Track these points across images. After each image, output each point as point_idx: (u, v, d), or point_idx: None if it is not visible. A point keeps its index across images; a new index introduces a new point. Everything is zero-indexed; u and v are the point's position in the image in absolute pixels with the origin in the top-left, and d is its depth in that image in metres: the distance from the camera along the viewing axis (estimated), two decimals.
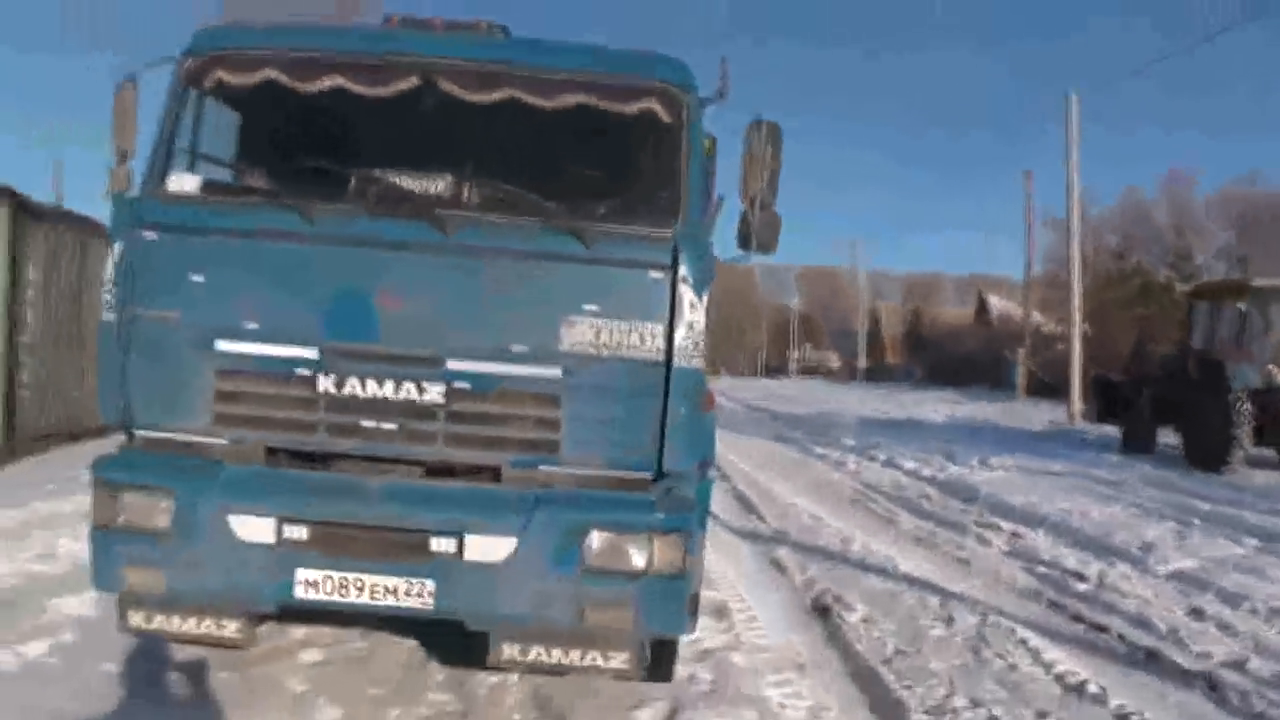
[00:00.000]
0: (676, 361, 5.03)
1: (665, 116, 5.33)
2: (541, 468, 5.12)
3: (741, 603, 8.06)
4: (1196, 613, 8.27)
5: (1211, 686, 6.47)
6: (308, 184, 5.38)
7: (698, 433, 5.30)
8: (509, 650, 5.14)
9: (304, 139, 5.70)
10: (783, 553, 10.10)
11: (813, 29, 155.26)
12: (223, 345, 5.10)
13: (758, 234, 5.46)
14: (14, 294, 13.16)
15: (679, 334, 5.03)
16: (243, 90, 5.52)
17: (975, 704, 5.92)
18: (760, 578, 9.14)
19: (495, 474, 5.15)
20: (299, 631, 6.36)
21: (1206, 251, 49.60)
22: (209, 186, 5.50)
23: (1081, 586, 9.12)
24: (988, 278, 79.22)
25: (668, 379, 5.03)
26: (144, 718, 5.23)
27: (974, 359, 55.26)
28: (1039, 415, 31.75)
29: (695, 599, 5.30)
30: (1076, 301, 33.34)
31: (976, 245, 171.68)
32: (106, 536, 5.09)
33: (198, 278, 5.11)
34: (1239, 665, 6.91)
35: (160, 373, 5.17)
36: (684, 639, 6.29)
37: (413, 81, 5.27)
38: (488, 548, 4.94)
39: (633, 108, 5.33)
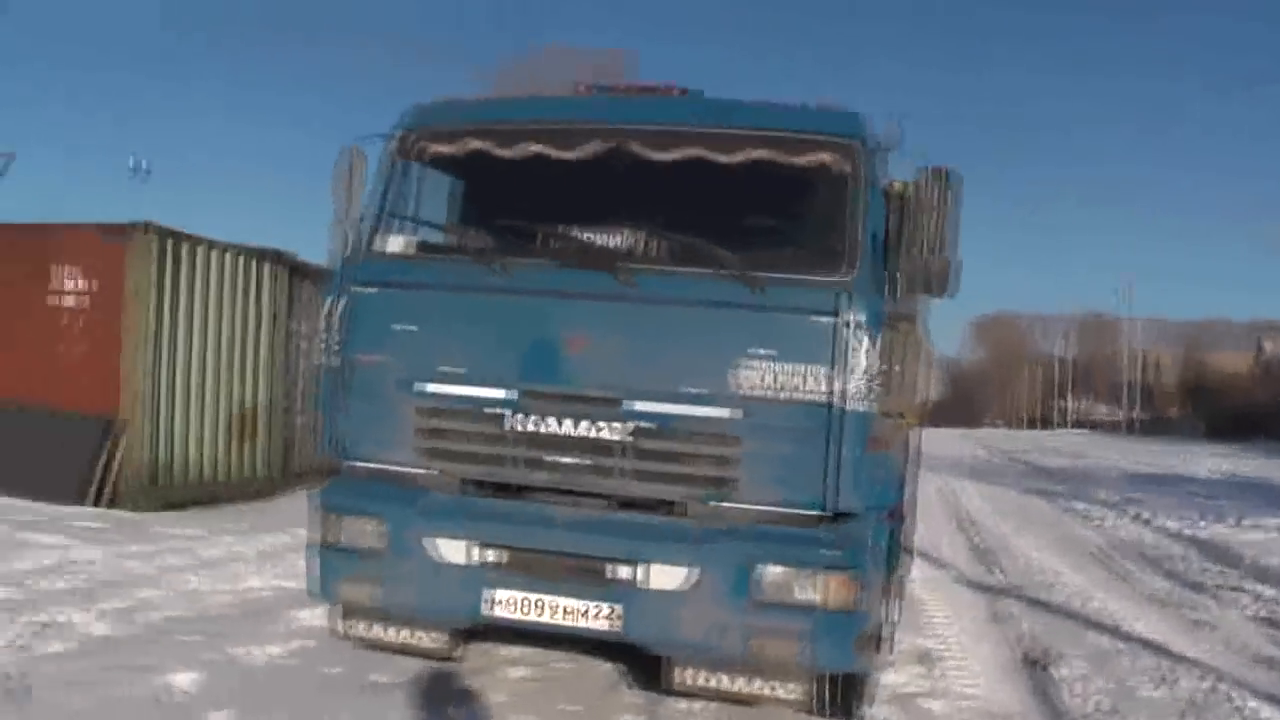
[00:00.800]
0: (846, 404, 5.20)
1: (836, 167, 5.55)
2: (718, 503, 5.38)
3: (954, 652, 8.01)
4: None
5: None
6: (504, 240, 5.93)
7: (871, 474, 5.45)
8: (686, 675, 5.44)
9: (501, 200, 6.30)
10: (1009, 605, 9.94)
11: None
12: (426, 387, 5.68)
13: (933, 279, 5.58)
14: (288, 344, 14.47)
15: (848, 378, 5.19)
16: (446, 158, 6.14)
17: None
18: (980, 629, 9.01)
19: (675, 508, 5.45)
20: (509, 651, 6.80)
21: None
22: (416, 245, 6.11)
23: None
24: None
25: (836, 421, 5.20)
26: (355, 710, 5.73)
27: (1255, 410, 51.51)
28: None
29: (870, 638, 5.45)
30: None
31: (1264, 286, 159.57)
32: (324, 554, 5.77)
33: (405, 327, 5.72)
34: None
35: (371, 411, 5.79)
36: (884, 681, 6.46)
37: (602, 145, 5.70)
38: (667, 577, 5.26)
39: (806, 160, 5.59)
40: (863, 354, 5.21)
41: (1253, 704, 6.96)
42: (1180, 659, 8.09)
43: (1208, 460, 37.47)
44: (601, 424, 5.43)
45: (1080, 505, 19.91)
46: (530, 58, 46.50)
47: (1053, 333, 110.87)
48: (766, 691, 5.42)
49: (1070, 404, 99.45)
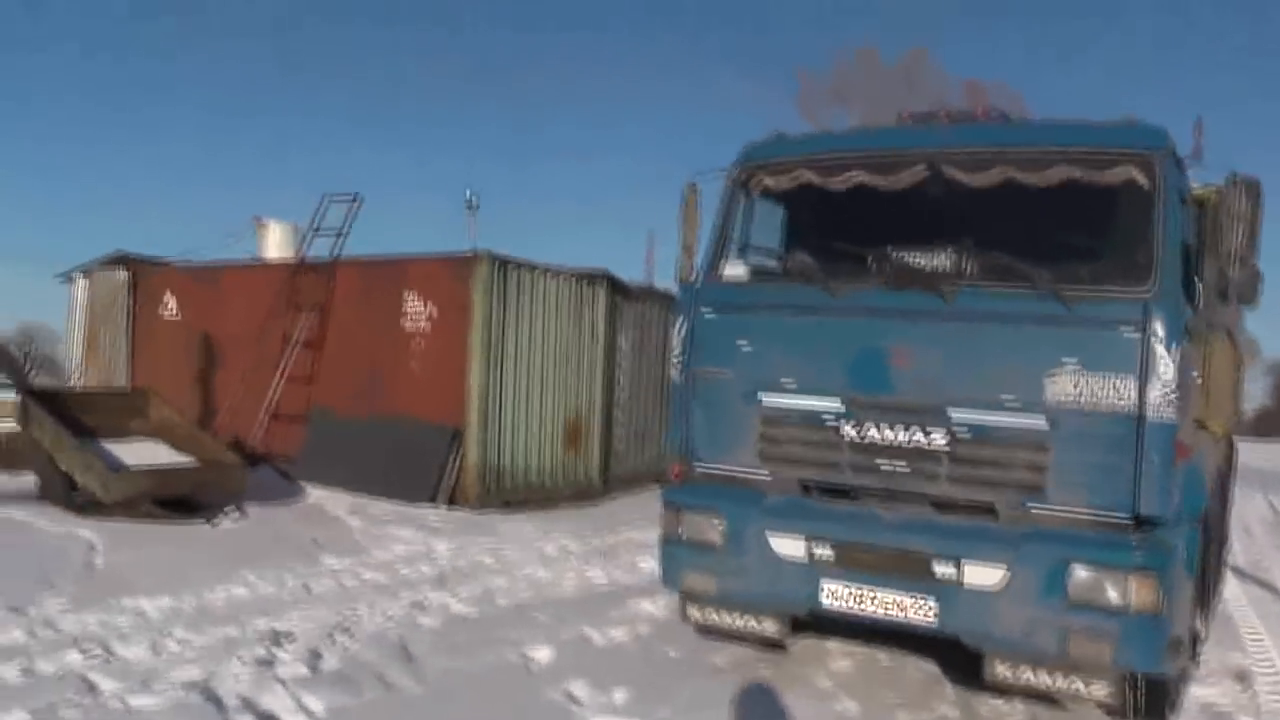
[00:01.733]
0: (1149, 414, 5.45)
1: (1140, 181, 5.81)
2: (1030, 506, 5.73)
3: (1269, 670, 7.87)
4: None
5: None
6: (831, 264, 6.48)
7: (1175, 482, 5.63)
8: (1001, 669, 5.79)
9: (828, 226, 6.84)
10: None
11: None
12: (765, 398, 6.34)
13: (1237, 288, 5.80)
14: (611, 360, 15.52)
15: (1151, 388, 5.44)
16: (778, 190, 6.78)
17: None
18: None
19: (990, 510, 5.83)
20: (833, 643, 7.35)
21: None
22: (754, 270, 6.76)
23: None
24: None
25: (1141, 430, 5.46)
26: (693, 687, 6.41)
27: None
28: None
29: (1179, 643, 5.66)
30: None
31: None
32: (672, 547, 6.56)
33: (745, 344, 6.41)
34: None
35: (715, 420, 6.51)
36: (1195, 694, 6.65)
37: (921, 171, 6.20)
38: (983, 575, 5.68)
39: (1111, 176, 5.87)
40: (1165, 365, 5.45)
41: None
42: None
43: None
44: (923, 432, 5.92)
45: None
46: (837, 63, 46.92)
47: None
48: (1078, 689, 5.70)
49: None
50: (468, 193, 16.25)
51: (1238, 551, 14.26)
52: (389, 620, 7.63)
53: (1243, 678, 7.56)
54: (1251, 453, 43.11)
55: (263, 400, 14.79)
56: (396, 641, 7.03)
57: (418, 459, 13.47)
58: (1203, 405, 6.58)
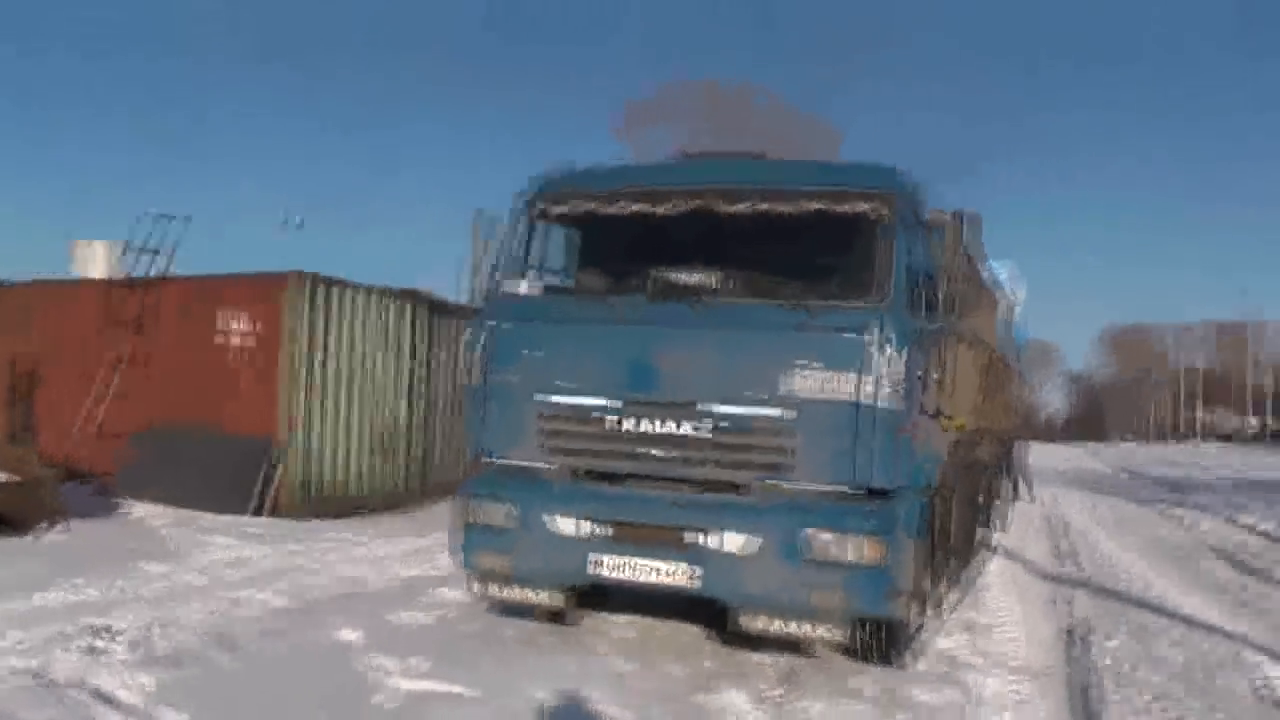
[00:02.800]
0: (876, 405, 6.58)
1: (873, 214, 6.93)
2: (778, 483, 6.80)
3: (1006, 626, 9.12)
4: None
5: None
6: (609, 281, 7.64)
7: (900, 461, 6.79)
8: (750, 621, 6.83)
9: (607, 249, 7.92)
10: (1072, 592, 10.94)
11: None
12: (548, 398, 7.23)
13: (949, 304, 7.17)
14: (426, 374, 16.28)
15: (879, 382, 6.57)
16: (563, 216, 7.74)
17: (1169, 707, 6.76)
18: (1040, 611, 10.02)
19: (742, 489, 6.87)
20: (616, 617, 8.29)
21: None
22: (540, 287, 7.69)
23: None
24: None
25: (870, 418, 6.58)
26: (488, 655, 7.25)
27: None
28: None
29: (901, 592, 6.78)
30: None
31: None
32: (468, 532, 7.41)
33: (530, 352, 7.31)
34: None
35: (504, 419, 7.39)
36: (934, 646, 7.94)
37: (689, 202, 7.19)
38: (737, 543, 6.72)
39: (848, 209, 6.97)
40: (890, 363, 6.57)
41: (1260, 659, 7.96)
42: (1212, 631, 9.06)
43: None
44: (684, 423, 6.90)
45: (1178, 511, 20.45)
46: (658, 95, 48.20)
47: (1186, 343, 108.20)
48: (819, 634, 6.80)
49: (1204, 416, 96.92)
50: (296, 217, 16.91)
51: (1012, 535, 15.83)
52: (210, 614, 8.19)
53: (979, 631, 8.79)
54: (1051, 455, 46.51)
55: (85, 417, 15.01)
56: (217, 630, 7.61)
57: (237, 472, 13.92)
58: (941, 400, 7.80)
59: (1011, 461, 19.64)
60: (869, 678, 7.06)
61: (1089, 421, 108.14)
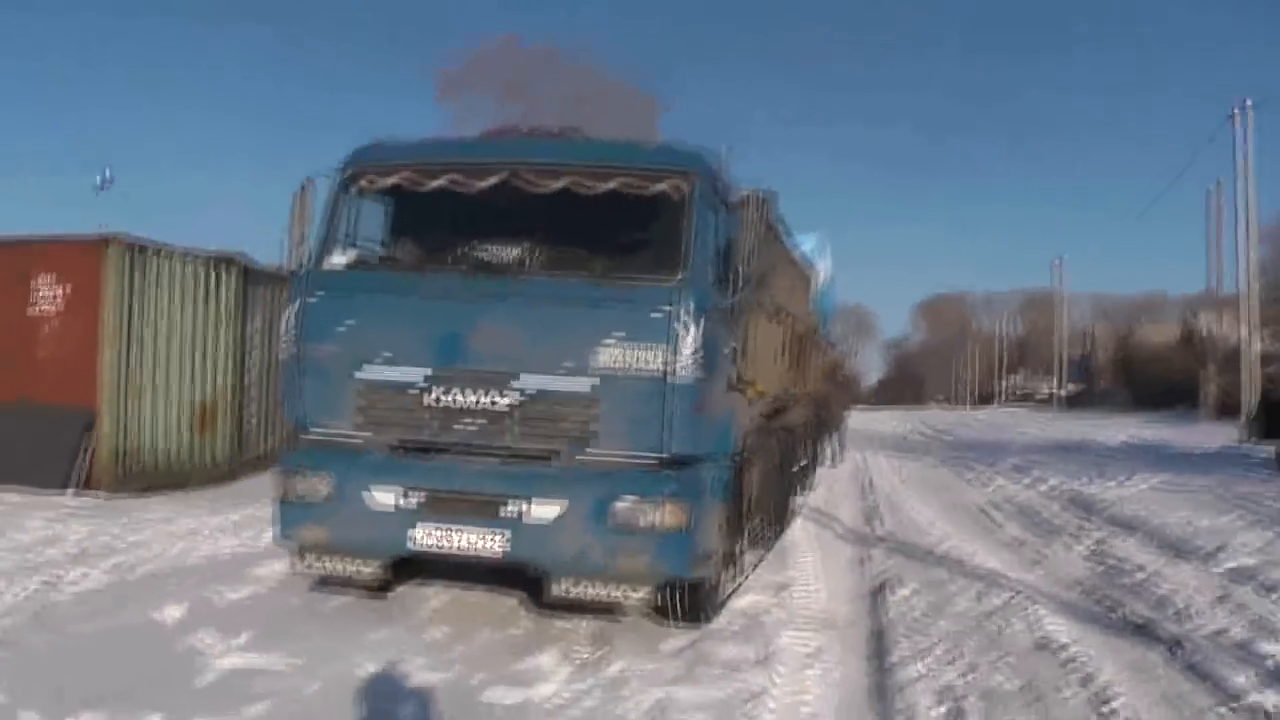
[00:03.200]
0: (675, 376, 6.91)
1: (677, 193, 7.26)
2: (584, 452, 7.08)
3: (810, 583, 9.67)
4: (1222, 598, 9.28)
5: (1173, 647, 7.63)
6: (423, 254, 7.76)
7: (699, 429, 7.17)
8: (561, 586, 7.10)
9: (422, 222, 8.01)
10: (876, 551, 11.59)
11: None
12: (364, 371, 7.33)
13: (750, 279, 7.57)
14: (241, 342, 15.95)
15: (678, 355, 6.90)
16: (379, 189, 7.82)
17: (949, 650, 7.35)
18: (840, 566, 10.71)
19: (551, 458, 7.13)
20: (434, 587, 8.50)
21: None
22: (357, 259, 7.77)
23: (1130, 579, 10.18)
24: (1221, 296, 76.03)
25: (670, 388, 6.91)
26: (310, 628, 7.38)
27: (1175, 382, 53.69)
28: (1219, 436, 31.54)
29: (705, 554, 7.21)
30: (1255, 319, 33.12)
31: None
32: (286, 505, 7.46)
33: (347, 324, 7.39)
34: (1218, 634, 8.00)
35: (322, 391, 7.46)
36: (737, 603, 8.28)
37: (501, 178, 7.36)
38: (544, 510, 6.97)
39: (655, 188, 7.28)
40: (688, 336, 6.91)
41: (1041, 610, 8.64)
42: (1003, 584, 9.73)
43: (1119, 429, 39.59)
44: (494, 395, 7.11)
45: (981, 471, 21.68)
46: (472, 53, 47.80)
47: (996, 311, 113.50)
48: (625, 596, 7.11)
49: (1011, 380, 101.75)
50: (105, 172, 16.17)
51: (823, 497, 16.61)
52: (25, 595, 8.07)
53: (783, 589, 9.29)
54: (868, 419, 48.32)
55: None
56: (33, 611, 7.55)
57: (53, 446, 13.54)
58: (743, 370, 8.21)
59: (825, 427, 20.57)
60: (677, 637, 7.46)
61: (906, 386, 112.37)
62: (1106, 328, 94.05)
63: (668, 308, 6.91)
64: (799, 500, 14.80)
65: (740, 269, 7.56)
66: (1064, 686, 6.60)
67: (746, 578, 9.41)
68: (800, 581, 9.72)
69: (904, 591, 9.24)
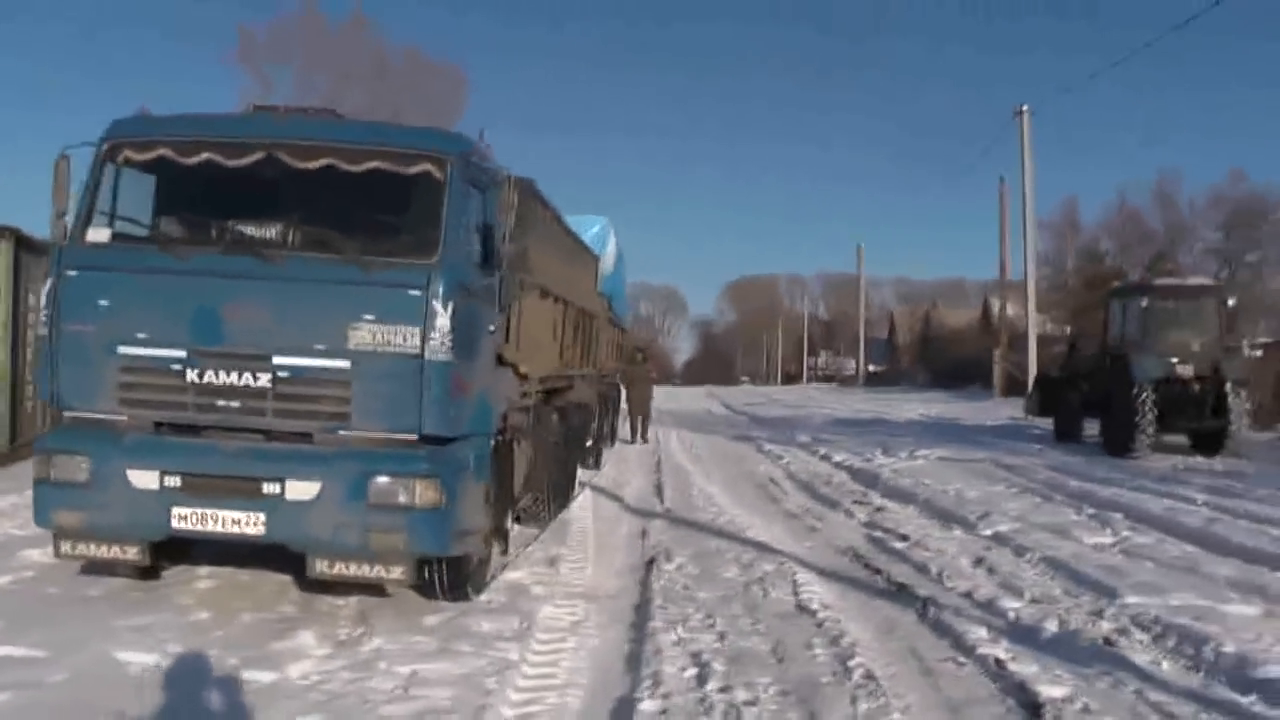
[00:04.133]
0: (428, 356, 6.90)
1: (434, 176, 7.24)
2: (340, 432, 6.99)
3: (580, 559, 9.68)
4: (979, 561, 9.75)
5: (924, 607, 7.95)
6: (184, 231, 7.60)
7: (455, 408, 7.17)
8: (320, 566, 7.02)
9: (183, 198, 7.82)
10: (656, 524, 11.74)
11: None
12: (121, 349, 7.06)
13: (504, 260, 7.67)
14: (17, 319, 14.99)
15: (431, 334, 6.90)
16: (140, 164, 7.54)
17: (708, 617, 7.50)
18: (619, 544, 10.76)
19: (312, 438, 7.03)
20: (201, 569, 8.28)
21: (1193, 253, 50.54)
22: (117, 235, 7.49)
23: (898, 545, 10.64)
24: (1011, 283, 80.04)
25: (425, 368, 6.89)
26: (66, 614, 7.10)
27: (971, 361, 56.22)
28: (1005, 412, 33.08)
29: (461, 530, 7.20)
30: (1032, 304, 35.38)
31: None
32: (43, 488, 7.18)
33: (105, 302, 7.12)
34: (968, 594, 8.40)
35: (80, 370, 7.16)
36: (505, 577, 8.33)
37: (261, 155, 7.21)
38: (301, 490, 6.88)
39: (413, 169, 7.25)
40: (443, 317, 6.91)
41: (804, 576, 8.90)
42: (773, 553, 10.05)
43: (913, 406, 41.13)
44: (253, 375, 6.96)
45: (775, 447, 22.22)
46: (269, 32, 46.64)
47: (804, 292, 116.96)
48: (382, 574, 7.06)
49: (818, 360, 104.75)
50: None
51: (612, 473, 16.66)
52: None
53: (554, 563, 9.29)
54: (674, 396, 48.93)
55: None
56: None
57: None
58: (507, 349, 8.20)
59: (615, 403, 20.70)
60: (439, 613, 7.45)
61: (716, 364, 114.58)
62: (908, 310, 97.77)
63: (421, 287, 6.90)
64: (587, 476, 14.82)
65: (499, 250, 7.62)
66: (813, 647, 6.91)
67: (518, 554, 9.38)
68: (571, 557, 9.76)
69: (675, 563, 9.34)
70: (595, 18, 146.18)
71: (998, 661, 6.55)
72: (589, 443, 16.24)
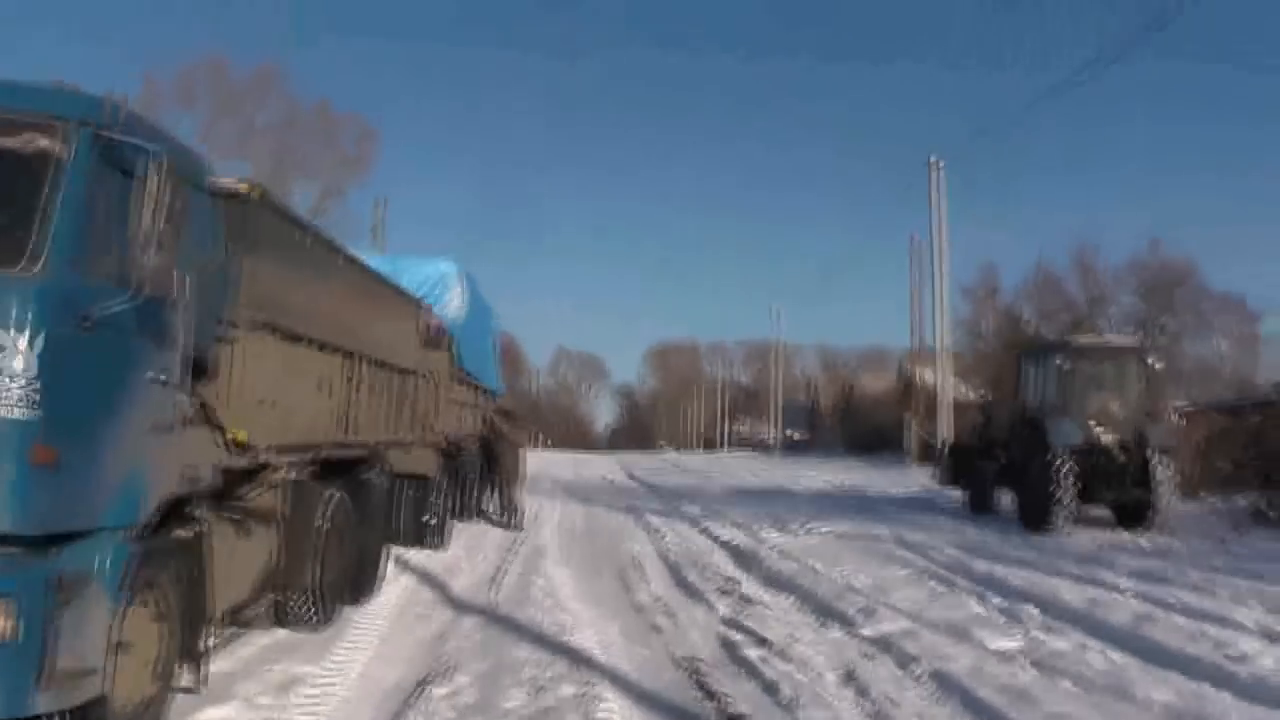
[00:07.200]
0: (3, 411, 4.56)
1: (43, 150, 4.99)
2: None
3: (332, 681, 7.33)
4: (848, 677, 7.71)
5: None
6: None
7: (47, 491, 4.78)
8: None
9: None
10: (465, 625, 9.46)
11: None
12: None
13: (145, 275, 5.18)
14: None
15: (7, 381, 4.58)
16: None
17: None
18: (402, 653, 8.35)
19: None
20: None
21: (1111, 320, 49.95)
22: None
23: (753, 653, 8.50)
24: (924, 349, 79.61)
25: None
26: None
27: (888, 428, 55.12)
28: (918, 480, 31.21)
29: (52, 672, 4.70)
30: (942, 362, 34.03)
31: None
32: None
33: None
34: None
35: None
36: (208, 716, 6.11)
37: None
38: None
39: (22, 141, 5.01)
40: (23, 357, 4.60)
41: (608, 708, 6.85)
42: (589, 668, 7.92)
43: (823, 474, 39.14)
44: None
45: (658, 520, 20.06)
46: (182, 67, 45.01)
47: (725, 359, 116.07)
48: None
49: (737, 426, 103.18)
50: None
51: (450, 556, 14.20)
52: None
53: (286, 688, 6.98)
54: (581, 464, 46.88)
55: None
56: None
57: None
58: (218, 409, 6.20)
59: (477, 473, 18.24)
60: None
61: (637, 431, 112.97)
62: (829, 376, 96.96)
63: (10, 311, 4.64)
64: (424, 556, 12.55)
65: (172, 265, 5.45)
66: None
67: (245, 675, 7.04)
68: (320, 679, 7.34)
69: (451, 686, 7.14)
70: (513, 86, 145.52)
71: None
72: (428, 519, 13.93)
